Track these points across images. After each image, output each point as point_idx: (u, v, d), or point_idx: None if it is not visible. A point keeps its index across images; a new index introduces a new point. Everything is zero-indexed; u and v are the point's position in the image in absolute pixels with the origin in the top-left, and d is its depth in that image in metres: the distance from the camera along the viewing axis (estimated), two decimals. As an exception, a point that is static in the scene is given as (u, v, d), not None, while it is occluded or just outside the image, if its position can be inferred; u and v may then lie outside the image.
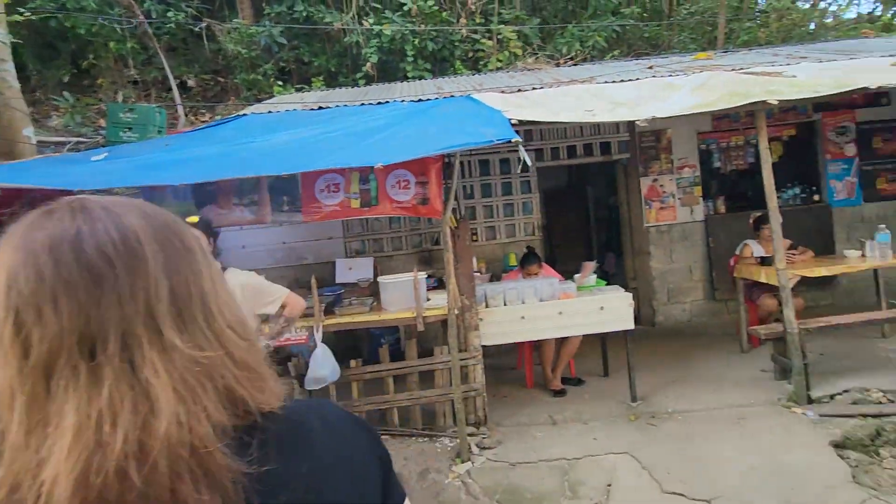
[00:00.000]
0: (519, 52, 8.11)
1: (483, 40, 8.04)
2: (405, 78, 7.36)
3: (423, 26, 7.64)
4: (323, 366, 3.32)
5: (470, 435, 3.39)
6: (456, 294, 3.28)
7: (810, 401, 3.32)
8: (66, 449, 0.37)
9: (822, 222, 5.87)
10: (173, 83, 7.21)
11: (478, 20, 8.15)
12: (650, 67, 5.69)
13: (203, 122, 6.78)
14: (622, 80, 4.83)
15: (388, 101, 4.68)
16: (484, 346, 3.66)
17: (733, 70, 4.62)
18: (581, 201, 8.69)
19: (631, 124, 6.03)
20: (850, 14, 10.91)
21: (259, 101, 6.64)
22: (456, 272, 3.43)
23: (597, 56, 8.37)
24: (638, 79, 4.84)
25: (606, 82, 4.84)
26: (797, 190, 6.05)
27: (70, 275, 0.40)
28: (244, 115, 4.93)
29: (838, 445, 2.84)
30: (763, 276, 4.09)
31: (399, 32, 7.49)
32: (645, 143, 6.02)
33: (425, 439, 3.45)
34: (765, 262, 4.35)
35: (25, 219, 0.44)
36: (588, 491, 2.75)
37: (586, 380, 4.28)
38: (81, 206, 0.45)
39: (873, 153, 5.88)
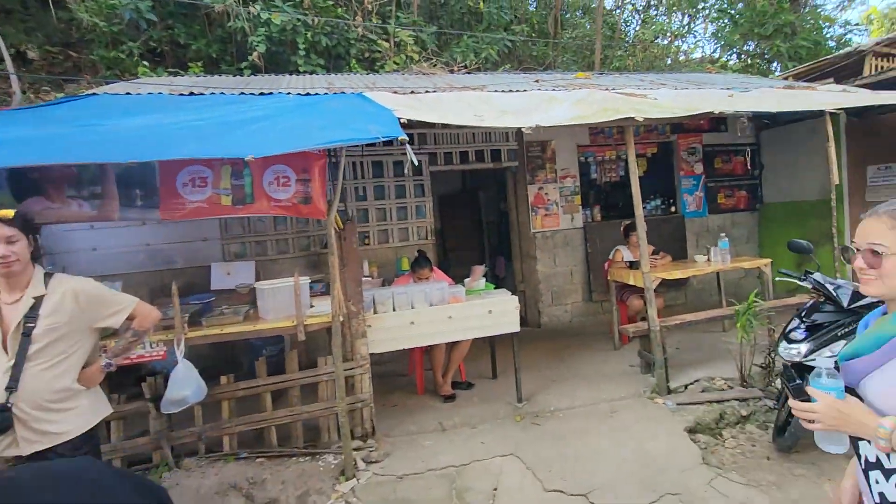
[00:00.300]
0: (415, 56, 8.11)
1: (380, 41, 7.90)
2: (297, 72, 6.93)
3: (316, 19, 7.27)
4: (184, 385, 2.90)
5: (356, 449, 3.20)
6: (341, 300, 3.08)
7: (669, 391, 3.68)
8: None
9: (677, 231, 6.66)
10: (5, 52, 5.97)
11: (374, 20, 7.99)
12: (536, 81, 6.01)
13: (47, 100, 5.70)
14: (511, 91, 5.02)
15: (272, 93, 4.32)
16: (373, 354, 3.50)
17: (607, 89, 5.04)
18: (474, 206, 8.93)
19: (519, 134, 6.30)
20: (697, 54, 12.75)
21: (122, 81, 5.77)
22: (342, 277, 3.23)
23: (490, 68, 8.71)
24: (525, 90, 5.06)
25: (497, 91, 4.99)
26: (658, 202, 6.80)
27: None
28: (95, 94, 4.21)
29: (692, 430, 3.17)
30: (631, 278, 4.48)
31: (290, 23, 7.04)
32: (532, 152, 6.33)
33: (307, 458, 3.18)
34: (633, 265, 4.78)
35: None
36: (475, 497, 2.72)
37: (476, 383, 4.33)
38: None
39: (715, 172, 6.83)
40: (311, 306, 3.43)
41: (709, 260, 4.74)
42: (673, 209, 6.79)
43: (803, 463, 2.78)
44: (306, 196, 3.01)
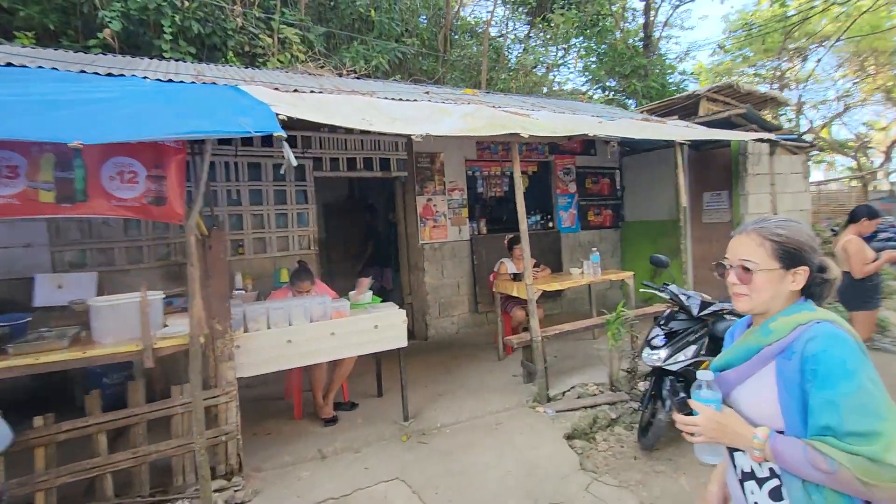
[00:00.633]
0: (301, 55, 7.68)
1: (263, 36, 7.33)
2: (161, 58, 6.09)
3: (186, 2, 6.48)
4: (-24, 433, 2.24)
5: (218, 490, 2.77)
6: (202, 318, 2.66)
7: (549, 399, 3.83)
8: None
9: (554, 245, 7.14)
10: None
11: (256, 12, 7.40)
12: (427, 92, 6.02)
13: None
14: (402, 99, 4.94)
15: (123, 75, 3.68)
16: (244, 378, 3.09)
17: (494, 107, 5.22)
18: (363, 216, 8.66)
19: (409, 144, 6.29)
20: (569, 86, 14.07)
21: None
22: (205, 291, 2.80)
23: (380, 77, 8.59)
24: (416, 100, 5.02)
25: (387, 98, 4.87)
26: (538, 217, 7.22)
27: None
28: None
29: (570, 437, 3.31)
30: (515, 290, 4.63)
31: (153, 1, 6.18)
32: (421, 163, 6.32)
33: (154, 508, 2.67)
34: (517, 278, 4.96)
35: None
36: (356, 530, 2.50)
37: (360, 402, 4.08)
38: None
39: (587, 192, 7.48)
40: (165, 325, 2.93)
41: (582, 272, 5.10)
42: (550, 224, 7.27)
43: (662, 460, 3.04)
44: (159, 196, 2.56)
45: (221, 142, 5.01)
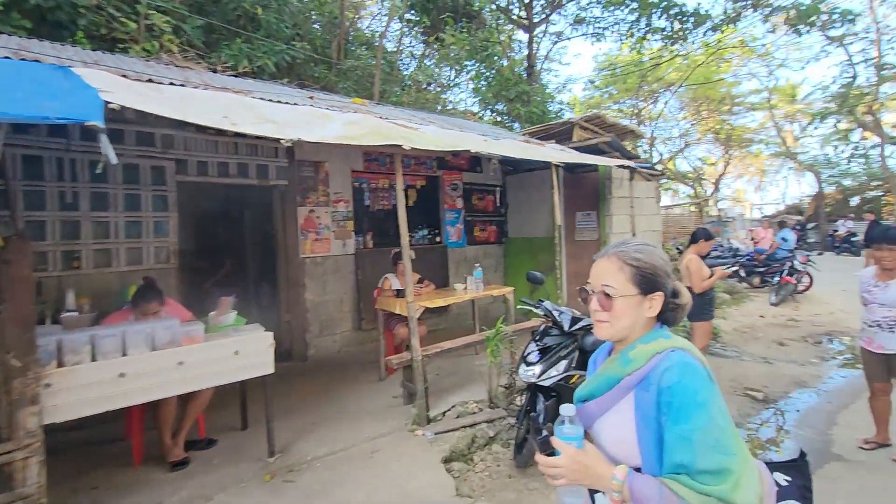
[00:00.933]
0: (175, 48, 6.83)
1: (126, 20, 6.37)
2: (-11, 32, 4.95)
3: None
4: None
5: (8, 573, 2.17)
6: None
7: (429, 420, 3.72)
8: None
9: (440, 260, 7.16)
10: None
11: (116, -10, 6.42)
12: (311, 97, 5.69)
13: None
14: (280, 101, 4.57)
15: None
16: (59, 423, 2.50)
17: (382, 117, 5.08)
18: (239, 227, 7.92)
19: (291, 151, 5.87)
20: (461, 106, 14.57)
21: None
22: (-1, 317, 2.21)
23: (266, 79, 7.99)
24: (297, 104, 4.69)
25: (263, 99, 4.47)
26: (425, 231, 7.21)
27: None
28: None
29: (448, 460, 3.22)
30: (397, 307, 4.48)
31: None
32: (304, 172, 5.94)
33: None
34: (401, 294, 4.81)
35: None
36: None
37: (220, 438, 3.58)
38: None
39: (473, 208, 7.66)
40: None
41: (466, 288, 5.14)
42: (438, 239, 7.29)
43: (536, 477, 3.07)
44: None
45: (51, 133, 4.19)
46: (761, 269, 10.11)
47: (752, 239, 13.49)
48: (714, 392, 1.02)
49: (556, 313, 3.37)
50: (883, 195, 20.83)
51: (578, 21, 14.08)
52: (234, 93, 4.41)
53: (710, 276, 4.37)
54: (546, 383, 3.11)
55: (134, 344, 2.77)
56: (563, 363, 3.15)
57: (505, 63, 13.38)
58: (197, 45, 7.41)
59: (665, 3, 12.16)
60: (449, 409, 3.87)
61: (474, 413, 3.81)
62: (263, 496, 2.84)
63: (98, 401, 2.65)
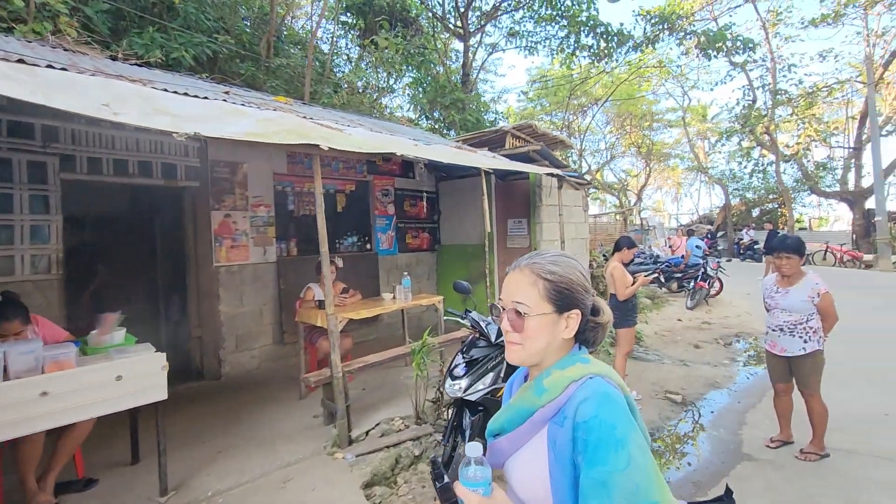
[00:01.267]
0: (73, 33, 6.06)
1: (14, -1, 5.55)
2: None
3: None
4: None
5: None
6: None
7: (351, 441, 3.45)
8: None
9: (371, 267, 6.89)
10: None
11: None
12: (227, 92, 5.26)
13: None
14: (187, 94, 4.15)
15: None
16: None
17: (306, 117, 4.77)
18: (147, 233, 7.15)
19: (204, 150, 5.37)
20: (399, 113, 14.39)
21: None
22: None
23: (182, 73, 7.33)
24: (207, 98, 4.29)
25: (168, 91, 4.04)
26: (355, 238, 6.91)
27: None
28: None
29: (368, 485, 2.98)
30: (319, 319, 4.18)
31: None
32: (219, 173, 5.46)
33: None
34: (323, 305, 4.50)
35: None
36: None
37: (103, 476, 3.09)
38: None
39: (405, 214, 7.47)
40: None
41: (394, 298, 4.92)
42: (368, 247, 7.02)
43: (462, 496, 2.91)
44: None
45: None
46: (678, 275, 10.78)
47: (670, 247, 14.42)
48: (634, 426, 0.90)
49: (482, 324, 3.25)
50: (778, 207, 23.21)
51: (512, 34, 14.41)
52: (131, 82, 3.94)
53: (634, 283, 4.48)
54: (472, 398, 2.97)
55: (-19, 372, 2.29)
56: (490, 376, 3.03)
57: (441, 70, 13.39)
58: (101, 31, 6.68)
59: (592, 22, 12.75)
60: (373, 428, 3.62)
61: (400, 430, 3.59)
62: (149, 544, 2.46)
63: (-72, 445, 2.16)
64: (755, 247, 18.97)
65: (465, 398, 2.99)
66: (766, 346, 3.63)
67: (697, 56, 15.03)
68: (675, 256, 11.84)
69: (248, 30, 9.84)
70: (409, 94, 13.91)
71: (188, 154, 5.25)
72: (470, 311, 3.40)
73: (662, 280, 11.03)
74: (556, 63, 17.04)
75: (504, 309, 1.04)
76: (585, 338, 1.05)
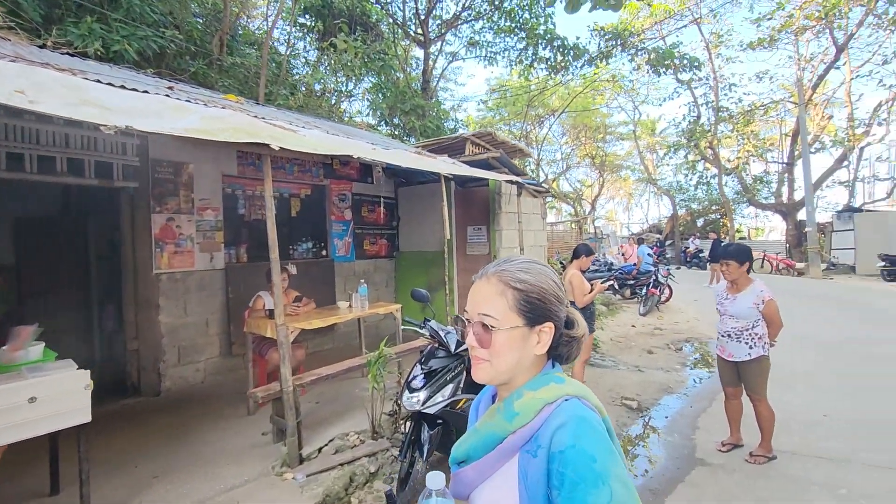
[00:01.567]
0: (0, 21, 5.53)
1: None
2: None
3: None
4: None
5: None
6: None
7: (302, 460, 3.24)
8: None
9: (327, 275, 6.65)
10: None
11: None
12: (171, 87, 4.93)
13: None
14: (124, 87, 3.85)
15: None
16: None
17: (257, 117, 4.53)
18: (81, 236, 6.60)
19: (144, 148, 5.01)
20: (358, 118, 14.18)
21: None
22: None
23: (124, 67, 6.85)
24: (147, 92, 3.99)
25: (101, 82, 3.72)
26: (310, 244, 6.66)
27: None
28: None
29: (320, 507, 2.79)
30: (269, 329, 3.94)
31: None
32: (161, 174, 5.10)
33: None
34: (274, 315, 4.26)
35: None
36: None
37: (15, 510, 2.76)
38: None
39: (362, 220, 7.28)
40: None
41: (350, 306, 4.74)
42: (324, 253, 6.78)
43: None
44: None
45: None
46: (631, 282, 11.12)
47: (623, 255, 14.90)
48: (614, 455, 0.81)
49: (442, 333, 3.15)
50: (720, 217, 24.58)
51: (472, 44, 14.53)
52: (59, 70, 3.60)
53: (591, 290, 4.51)
54: (431, 410, 2.85)
55: None
56: (450, 387, 2.93)
57: (401, 76, 13.30)
58: (31, 18, 6.15)
59: (549, 35, 13.06)
60: (326, 444, 3.42)
61: (355, 446, 3.41)
62: (65, 588, 2.17)
63: None
64: (700, 255, 19.96)
65: (424, 411, 2.87)
66: (717, 351, 3.72)
67: (648, 72, 15.70)
68: (627, 264, 12.23)
69: (199, 26, 9.37)
70: (368, 100, 13.72)
71: (126, 152, 4.87)
72: (429, 320, 3.29)
73: (616, 287, 11.33)
74: (515, 74, 17.31)
75: (469, 322, 0.94)
76: (559, 353, 0.96)
